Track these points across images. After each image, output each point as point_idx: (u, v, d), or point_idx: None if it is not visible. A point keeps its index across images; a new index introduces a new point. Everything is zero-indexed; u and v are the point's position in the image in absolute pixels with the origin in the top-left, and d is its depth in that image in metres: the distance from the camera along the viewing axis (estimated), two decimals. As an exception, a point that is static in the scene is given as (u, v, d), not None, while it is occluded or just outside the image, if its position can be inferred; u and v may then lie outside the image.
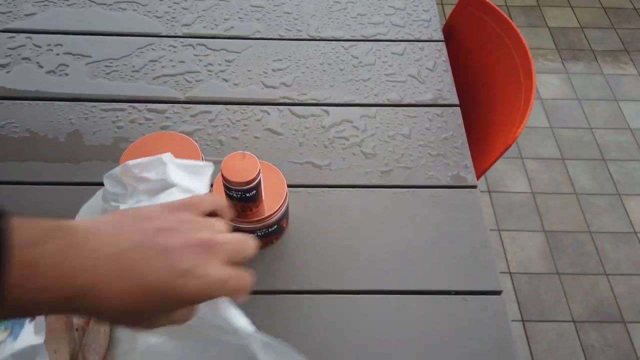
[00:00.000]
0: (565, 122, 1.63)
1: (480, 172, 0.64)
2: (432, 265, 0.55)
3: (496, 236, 1.36)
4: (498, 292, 0.53)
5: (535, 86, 0.65)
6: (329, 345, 0.50)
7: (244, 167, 0.48)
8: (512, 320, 1.21)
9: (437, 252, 0.56)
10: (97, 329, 0.47)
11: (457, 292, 0.53)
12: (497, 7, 0.78)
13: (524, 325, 1.21)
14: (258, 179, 0.48)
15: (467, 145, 0.65)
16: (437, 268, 0.55)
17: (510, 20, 0.77)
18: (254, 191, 0.49)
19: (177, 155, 0.49)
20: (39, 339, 0.38)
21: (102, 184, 0.42)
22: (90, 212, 0.50)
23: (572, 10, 2.03)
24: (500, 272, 1.29)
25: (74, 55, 0.74)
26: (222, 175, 0.48)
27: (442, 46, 0.78)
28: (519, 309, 1.24)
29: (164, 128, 0.66)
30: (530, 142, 1.57)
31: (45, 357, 0.38)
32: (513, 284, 1.28)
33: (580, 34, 1.93)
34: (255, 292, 0.53)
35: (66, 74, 0.71)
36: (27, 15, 0.79)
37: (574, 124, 1.63)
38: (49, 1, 0.81)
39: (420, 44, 0.78)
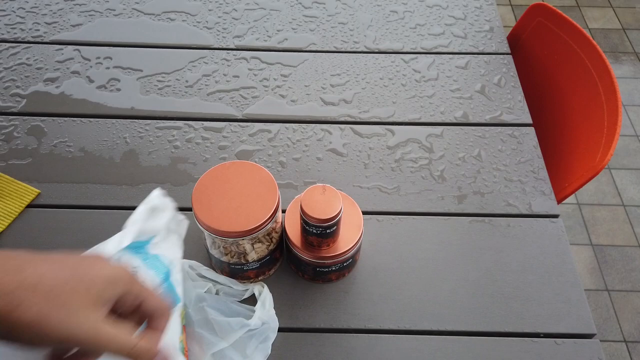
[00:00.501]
0: (610, 129, 1.57)
1: (560, 199, 0.60)
2: (517, 304, 0.51)
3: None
4: (591, 336, 0.49)
5: (620, 106, 0.60)
6: (412, 392, 0.46)
7: (325, 201, 0.45)
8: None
9: (522, 289, 0.52)
10: None
11: (547, 335, 0.49)
12: (569, 18, 0.73)
13: (573, 344, 1.16)
14: (339, 216, 0.45)
15: (545, 170, 0.61)
16: (522, 307, 0.51)
17: (585, 33, 0.72)
18: (335, 227, 0.45)
19: (253, 185, 0.46)
20: None
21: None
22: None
23: (614, 10, 1.96)
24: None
25: (124, 69, 0.71)
26: (301, 209, 0.45)
27: (509, 59, 0.73)
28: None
29: (222, 148, 0.63)
30: (574, 150, 1.51)
31: None
32: (560, 300, 1.23)
33: (622, 36, 1.86)
34: (330, 330, 0.50)
35: (118, 89, 0.69)
36: (73, 26, 0.76)
37: (621, 131, 1.56)
38: (95, 11, 0.79)
39: (485, 57, 0.74)
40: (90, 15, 0.78)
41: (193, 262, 0.50)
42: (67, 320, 0.27)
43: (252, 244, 0.46)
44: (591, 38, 0.72)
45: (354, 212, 0.50)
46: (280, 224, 0.49)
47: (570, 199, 1.41)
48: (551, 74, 0.75)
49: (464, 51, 0.75)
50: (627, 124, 1.59)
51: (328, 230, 0.45)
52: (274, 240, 0.48)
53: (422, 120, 0.66)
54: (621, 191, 1.43)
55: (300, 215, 0.45)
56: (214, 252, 0.48)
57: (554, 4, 1.95)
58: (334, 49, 0.75)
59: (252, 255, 0.47)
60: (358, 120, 0.66)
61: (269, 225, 0.45)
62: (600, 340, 1.16)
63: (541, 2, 0.79)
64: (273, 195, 0.45)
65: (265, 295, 0.49)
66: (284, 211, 0.50)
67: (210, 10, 0.79)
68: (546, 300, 0.51)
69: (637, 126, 1.58)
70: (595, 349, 0.48)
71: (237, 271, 0.49)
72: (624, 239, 1.34)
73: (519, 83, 0.70)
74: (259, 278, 0.51)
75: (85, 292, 0.29)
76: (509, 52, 0.74)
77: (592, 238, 1.34)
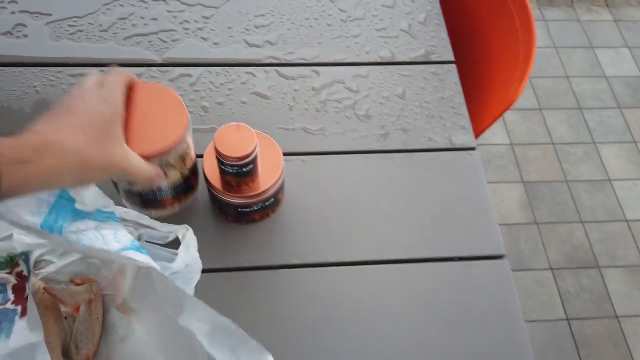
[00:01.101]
0: (542, 71, 1.62)
1: (478, 133, 0.62)
2: (433, 232, 0.53)
3: (476, 188, 1.37)
4: (501, 256, 0.53)
5: (535, 41, 0.62)
6: (333, 318, 0.48)
7: (239, 139, 0.44)
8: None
9: (438, 218, 0.54)
10: (88, 316, 0.44)
11: (461, 258, 0.52)
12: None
13: (504, 274, 1.24)
14: (255, 153, 0.45)
15: (464, 105, 0.62)
16: (439, 235, 0.53)
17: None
18: (251, 165, 0.45)
19: (159, 107, 0.44)
20: (36, 336, 0.35)
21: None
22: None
23: (549, -47, 1.98)
24: (481, 224, 1.31)
25: (31, 13, 0.66)
26: (215, 149, 0.44)
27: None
28: (500, 259, 1.26)
29: (141, 94, 0.61)
30: (509, 92, 1.56)
31: (45, 353, 0.35)
32: (494, 235, 1.30)
33: (556, -21, 1.90)
34: (254, 268, 0.51)
35: (25, 35, 0.64)
36: (-28, -34, 0.70)
37: (551, 72, 1.62)
38: (-4, -50, 0.72)
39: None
40: (-10, -46, 0.71)
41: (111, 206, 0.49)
42: (105, 150, 0.35)
43: (164, 169, 0.44)
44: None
45: (273, 151, 0.50)
46: (192, 148, 0.48)
47: (504, 140, 1.46)
48: (473, 11, 0.76)
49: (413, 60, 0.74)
50: (558, 65, 1.64)
51: (244, 169, 0.45)
52: (187, 164, 0.47)
53: (348, 60, 0.66)
54: (551, 130, 1.50)
55: (216, 155, 0.45)
56: (123, 185, 0.47)
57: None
58: (257, -11, 0.72)
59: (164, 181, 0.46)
60: (283, 62, 0.65)
61: (180, 148, 0.44)
62: (529, 270, 1.25)
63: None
64: (181, 116, 0.43)
65: (189, 238, 0.49)
66: (201, 156, 0.50)
67: (124, -52, 0.74)
68: (461, 227, 0.54)
69: (567, 67, 1.64)
70: (504, 269, 0.52)
71: (150, 201, 0.48)
72: (553, 175, 1.41)
73: (443, 21, 0.71)
74: (176, 207, 0.50)
75: (112, 129, 0.37)
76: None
77: (523, 176, 1.40)
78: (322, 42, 0.68)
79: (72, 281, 0.44)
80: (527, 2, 0.67)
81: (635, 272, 1.28)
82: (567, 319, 1.19)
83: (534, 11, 1.76)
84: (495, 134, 1.47)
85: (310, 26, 0.69)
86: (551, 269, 1.26)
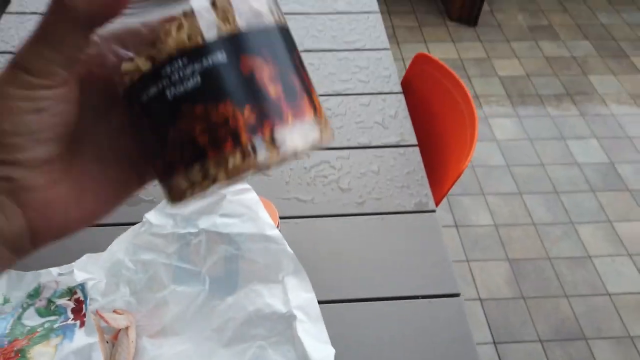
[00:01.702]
0: (519, 160, 1.80)
1: (438, 199, 0.77)
2: (402, 276, 0.66)
3: (465, 267, 1.47)
4: (457, 294, 0.64)
5: (477, 125, 0.79)
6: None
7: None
8: (485, 343, 1.31)
9: (406, 265, 0.67)
10: (125, 340, 0.55)
11: (424, 297, 0.64)
12: (443, 64, 0.94)
13: (495, 347, 1.31)
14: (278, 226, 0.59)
15: (426, 177, 0.78)
16: (406, 278, 0.65)
17: (454, 73, 0.92)
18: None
19: None
20: (92, 339, 0.47)
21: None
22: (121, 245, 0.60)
23: (519, 60, 2.26)
24: (471, 299, 1.40)
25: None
26: None
27: (401, 97, 0.92)
28: (490, 332, 1.34)
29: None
30: (490, 179, 1.73)
31: (98, 351, 0.47)
32: (483, 309, 1.38)
33: (527, 81, 2.15)
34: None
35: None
36: None
37: (528, 161, 1.80)
38: None
39: (383, 96, 0.92)
40: None
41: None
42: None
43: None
44: (460, 80, 0.92)
45: (271, 213, 0.64)
46: None
47: (488, 221, 1.60)
48: (431, 106, 0.94)
49: (366, 92, 0.93)
50: (533, 155, 1.82)
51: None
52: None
53: (332, 146, 0.83)
54: (531, 212, 1.64)
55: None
56: None
57: (467, 57, 2.25)
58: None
59: None
60: (281, 148, 0.82)
61: None
62: (519, 342, 1.31)
63: (423, 53, 1.00)
64: None
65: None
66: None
67: None
68: (423, 271, 0.66)
69: (541, 156, 1.82)
70: (459, 305, 0.63)
71: None
72: (535, 252, 1.52)
73: (408, 115, 0.88)
74: None
75: None
76: (402, 92, 0.93)
77: (508, 253, 1.52)
78: (312, 133, 0.85)
79: (114, 311, 0.56)
80: (470, 98, 0.85)
81: (621, 343, 1.34)
82: (559, 389, 1.24)
83: (508, 109, 1.99)
84: (479, 216, 1.61)
85: (303, 121, 0.87)
86: (540, 341, 1.33)
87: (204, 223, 0.58)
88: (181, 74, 0.21)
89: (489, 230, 1.57)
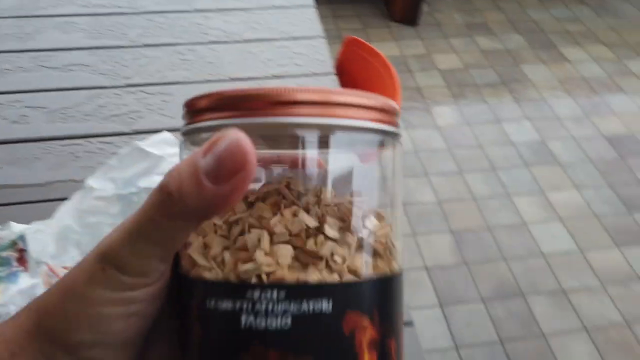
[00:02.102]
0: (459, 143, 1.93)
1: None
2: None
3: (412, 240, 1.58)
4: (410, 323, 0.68)
5: (400, 100, 0.89)
6: None
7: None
8: (432, 307, 1.41)
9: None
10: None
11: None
12: (372, 46, 1.04)
13: (442, 308, 1.41)
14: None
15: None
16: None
17: (381, 54, 1.02)
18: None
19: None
20: (36, 280, 0.54)
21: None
22: (68, 213, 0.67)
23: (457, 55, 2.42)
24: (419, 268, 1.50)
25: (32, 107, 0.91)
26: None
27: (334, 78, 1.01)
28: (437, 295, 1.44)
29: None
30: (433, 162, 1.85)
31: (42, 288, 0.53)
32: (430, 276, 1.49)
33: (465, 73, 2.30)
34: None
35: (27, 122, 0.88)
36: (-9, 80, 0.95)
37: (467, 143, 1.93)
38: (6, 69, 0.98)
39: (317, 77, 1.02)
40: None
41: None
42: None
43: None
44: (388, 62, 1.02)
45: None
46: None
47: (432, 199, 1.71)
48: (363, 87, 1.05)
49: (302, 74, 1.02)
50: (472, 137, 1.96)
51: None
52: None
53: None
54: (472, 188, 1.76)
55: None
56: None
57: (409, 53, 2.38)
58: (203, 80, 0.99)
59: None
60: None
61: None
62: (465, 303, 1.42)
63: (354, 37, 1.10)
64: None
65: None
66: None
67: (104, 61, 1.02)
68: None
69: (480, 138, 1.96)
70: (412, 336, 0.72)
71: None
72: (476, 223, 1.65)
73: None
74: None
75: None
76: (335, 73, 1.03)
77: (451, 226, 1.63)
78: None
79: (64, 267, 0.62)
80: (395, 76, 0.96)
81: (555, 296, 1.46)
82: (501, 341, 1.35)
83: (448, 99, 2.13)
84: (424, 194, 1.72)
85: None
86: (483, 300, 1.44)
87: (144, 183, 0.65)
88: (270, 307, 0.17)
89: (433, 206, 1.69)
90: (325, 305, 0.17)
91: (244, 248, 0.19)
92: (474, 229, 1.61)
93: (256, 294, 0.17)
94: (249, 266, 0.18)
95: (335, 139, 0.20)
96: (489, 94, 2.17)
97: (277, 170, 0.23)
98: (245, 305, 0.17)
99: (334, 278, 0.18)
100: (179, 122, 0.78)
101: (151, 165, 0.66)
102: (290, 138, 0.20)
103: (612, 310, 1.44)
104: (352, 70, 1.08)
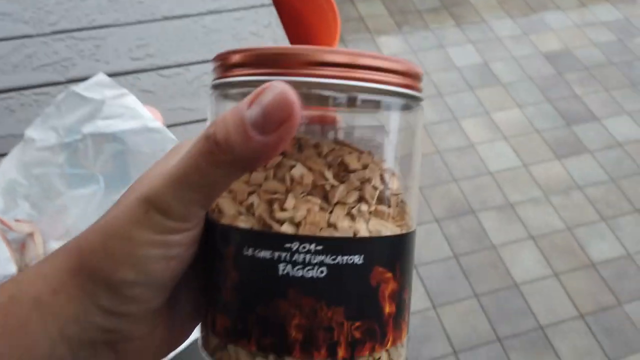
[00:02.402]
0: (405, 71, 1.94)
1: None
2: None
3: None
4: None
5: (339, 25, 0.87)
6: None
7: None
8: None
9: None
10: (32, 244, 0.59)
11: None
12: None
13: (399, 233, 1.47)
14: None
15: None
16: None
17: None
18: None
19: None
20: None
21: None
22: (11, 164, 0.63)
23: (397, -20, 2.37)
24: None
25: (-50, 62, 0.83)
26: None
27: (272, 9, 0.97)
28: (394, 222, 1.50)
29: (51, 104, 0.78)
30: (381, 92, 1.85)
31: (3, 245, 0.51)
32: (386, 204, 1.53)
33: (406, 0, 2.27)
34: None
35: (-52, 78, 0.81)
36: None
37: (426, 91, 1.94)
38: None
39: (255, 10, 0.97)
40: None
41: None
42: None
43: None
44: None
45: (156, 116, 0.69)
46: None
47: (383, 129, 1.73)
48: (301, 16, 1.02)
49: (239, 7, 0.98)
50: (417, 64, 1.97)
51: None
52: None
53: (211, 58, 0.88)
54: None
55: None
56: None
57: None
58: (136, 21, 0.93)
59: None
60: (161, 66, 0.86)
61: None
62: (419, 225, 1.48)
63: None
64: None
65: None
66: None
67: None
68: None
69: (425, 64, 1.97)
70: None
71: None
72: (426, 148, 1.69)
73: (281, 24, 0.95)
74: None
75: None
76: (272, 5, 0.99)
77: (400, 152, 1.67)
78: (191, 50, 0.89)
79: (16, 220, 0.60)
80: (333, 3, 0.93)
81: (503, 210, 1.55)
82: (455, 256, 1.43)
83: (392, 26, 2.11)
84: (374, 125, 1.74)
85: (181, 40, 0.91)
86: (436, 220, 1.51)
87: (87, 128, 0.62)
88: (307, 258, 0.19)
89: (385, 136, 1.71)
90: (358, 260, 0.19)
91: (273, 194, 0.20)
92: (424, 154, 1.66)
93: (294, 245, 0.19)
94: (282, 215, 0.19)
95: (361, 101, 0.20)
96: (432, 20, 2.16)
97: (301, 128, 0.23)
98: (283, 255, 0.19)
99: (364, 232, 0.20)
100: (115, 66, 0.74)
101: (93, 110, 0.62)
102: (317, 97, 0.21)
103: (555, 218, 1.54)
104: (291, 0, 1.04)
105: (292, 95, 0.17)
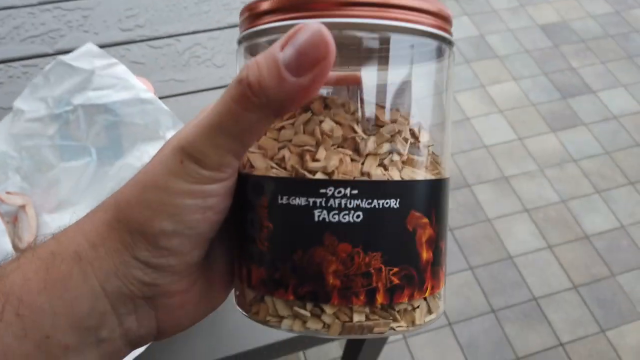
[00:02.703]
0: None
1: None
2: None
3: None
4: None
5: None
6: None
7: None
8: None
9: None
10: (24, 217, 0.59)
11: None
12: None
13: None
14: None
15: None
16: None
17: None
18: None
19: None
20: None
21: None
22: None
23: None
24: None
25: None
26: None
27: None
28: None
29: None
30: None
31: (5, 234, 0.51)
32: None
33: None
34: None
35: None
36: None
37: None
38: None
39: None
40: None
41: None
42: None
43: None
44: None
45: (147, 86, 0.68)
46: None
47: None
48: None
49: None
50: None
51: (123, 94, 0.63)
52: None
53: (202, 28, 0.86)
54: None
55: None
56: None
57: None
58: (123, -9, 0.91)
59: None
60: (151, 37, 0.84)
61: None
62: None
63: None
64: None
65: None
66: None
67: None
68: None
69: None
70: None
71: None
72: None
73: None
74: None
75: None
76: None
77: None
78: (180, 20, 0.87)
79: (7, 192, 0.59)
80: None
81: (498, 183, 1.55)
82: (450, 230, 1.43)
83: None
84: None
85: (170, 11, 0.88)
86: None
87: (78, 99, 0.61)
88: (343, 202, 0.18)
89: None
90: (394, 203, 0.19)
91: (304, 147, 0.20)
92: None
93: (329, 190, 0.18)
94: (314, 165, 0.19)
95: (394, 43, 0.20)
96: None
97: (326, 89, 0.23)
98: (319, 201, 0.18)
99: (398, 178, 0.19)
100: (104, 37, 0.72)
101: (83, 81, 0.61)
102: (348, 47, 0.20)
103: (550, 190, 1.55)
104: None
105: (327, 34, 0.17)
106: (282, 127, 0.21)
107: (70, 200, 0.61)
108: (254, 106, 0.18)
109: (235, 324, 0.55)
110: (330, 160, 0.19)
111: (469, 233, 1.42)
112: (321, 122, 0.20)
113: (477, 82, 1.80)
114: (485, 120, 1.69)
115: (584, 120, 1.72)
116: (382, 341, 0.83)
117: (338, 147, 0.20)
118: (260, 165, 0.20)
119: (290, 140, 0.20)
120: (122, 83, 0.62)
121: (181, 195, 0.18)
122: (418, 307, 0.20)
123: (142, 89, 0.62)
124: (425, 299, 0.20)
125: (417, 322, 0.20)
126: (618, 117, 1.73)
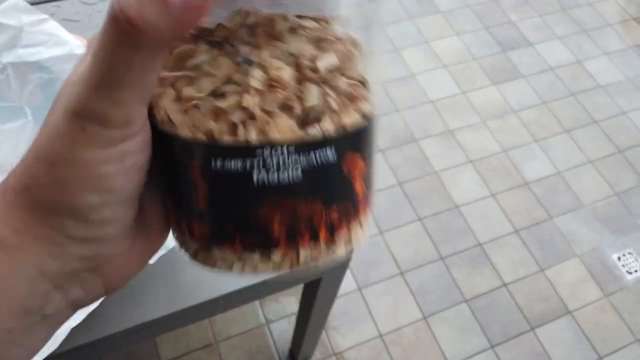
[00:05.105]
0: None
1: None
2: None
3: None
4: None
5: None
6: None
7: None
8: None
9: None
10: None
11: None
12: None
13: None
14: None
15: None
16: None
17: None
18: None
19: None
20: None
21: None
22: None
23: None
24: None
25: None
26: None
27: None
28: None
29: None
30: (322, 24, 1.82)
31: None
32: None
33: None
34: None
35: None
36: None
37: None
38: None
39: None
40: None
41: None
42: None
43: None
44: None
45: (82, 42, 0.65)
46: None
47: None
48: None
49: None
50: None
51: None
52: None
53: None
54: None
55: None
56: None
57: None
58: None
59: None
60: None
61: None
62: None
63: None
64: None
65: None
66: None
67: None
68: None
69: None
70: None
71: None
72: (370, 81, 1.70)
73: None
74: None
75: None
76: None
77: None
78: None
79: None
80: None
81: (444, 137, 1.60)
82: (399, 184, 1.48)
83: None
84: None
85: (102, -36, 0.84)
86: (381, 151, 1.54)
87: (7, 58, 0.58)
88: (282, 161, 0.18)
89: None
90: (330, 154, 0.19)
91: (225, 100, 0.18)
92: (367, 86, 1.66)
93: (266, 151, 0.18)
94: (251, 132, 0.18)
95: None
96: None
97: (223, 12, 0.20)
98: (256, 163, 0.18)
99: (330, 126, 0.19)
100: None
101: (11, 38, 0.58)
102: None
103: (492, 141, 1.62)
104: None
105: None
106: (197, 67, 0.18)
107: (10, 163, 0.59)
108: (142, 43, 0.15)
109: (193, 277, 0.56)
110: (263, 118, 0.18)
111: (418, 186, 1.47)
112: (247, 71, 0.18)
113: (422, 37, 1.82)
114: (430, 75, 1.72)
115: (523, 72, 1.79)
116: (334, 291, 0.86)
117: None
118: (182, 123, 0.18)
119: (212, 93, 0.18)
120: (53, 39, 0.59)
121: (97, 164, 0.17)
122: (355, 230, 0.21)
123: (77, 44, 0.59)
124: (359, 221, 0.21)
125: (355, 243, 0.21)
126: (554, 69, 1.81)
